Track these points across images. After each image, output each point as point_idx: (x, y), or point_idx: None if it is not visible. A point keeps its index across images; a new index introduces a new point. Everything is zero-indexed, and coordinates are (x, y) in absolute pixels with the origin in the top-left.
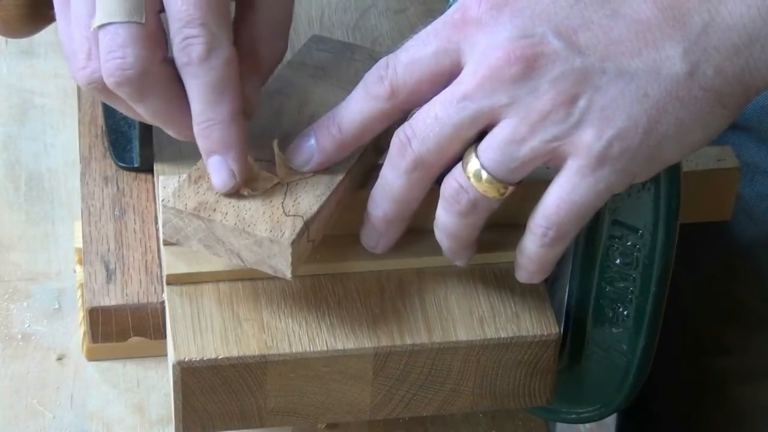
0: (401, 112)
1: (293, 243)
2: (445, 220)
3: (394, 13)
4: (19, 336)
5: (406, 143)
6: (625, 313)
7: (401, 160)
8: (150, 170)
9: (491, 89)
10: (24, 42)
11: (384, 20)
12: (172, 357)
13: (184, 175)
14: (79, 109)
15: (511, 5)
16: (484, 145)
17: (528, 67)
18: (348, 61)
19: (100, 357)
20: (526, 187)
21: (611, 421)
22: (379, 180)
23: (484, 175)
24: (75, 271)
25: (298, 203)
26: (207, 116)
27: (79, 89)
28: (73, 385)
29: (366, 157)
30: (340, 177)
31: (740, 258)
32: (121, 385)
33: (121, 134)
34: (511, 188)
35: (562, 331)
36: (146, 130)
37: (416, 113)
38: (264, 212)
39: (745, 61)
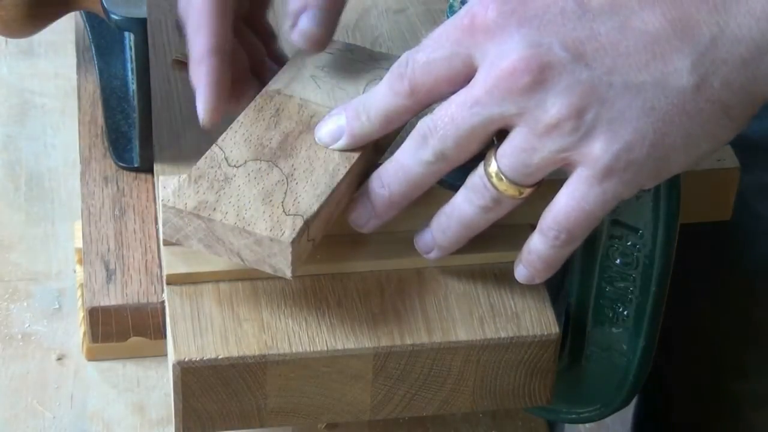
0: (423, 107)
1: (293, 242)
2: (465, 209)
3: (394, 13)
4: (19, 336)
5: (428, 135)
6: (625, 313)
7: (423, 150)
8: (150, 170)
9: (500, 98)
10: (24, 42)
11: (384, 20)
12: (172, 357)
13: (184, 175)
14: (79, 109)
15: (518, 14)
16: (501, 150)
17: (534, 80)
18: (348, 61)
19: (100, 357)
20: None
21: (611, 421)
22: (391, 163)
23: (503, 177)
24: (75, 271)
25: (298, 202)
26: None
27: (79, 89)
28: (73, 385)
29: (366, 156)
30: (340, 176)
31: (760, 278)
32: (121, 385)
33: (121, 134)
34: (528, 190)
35: (562, 331)
36: (146, 130)
37: (437, 109)
38: (264, 211)
39: (753, 73)
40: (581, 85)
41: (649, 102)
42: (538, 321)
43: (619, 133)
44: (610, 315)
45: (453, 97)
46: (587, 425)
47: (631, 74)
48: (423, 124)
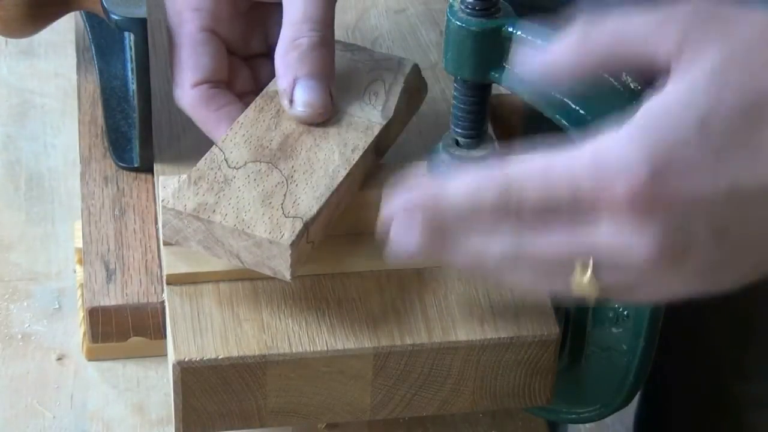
0: None
1: (292, 244)
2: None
3: (394, 13)
4: (19, 336)
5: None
6: (625, 313)
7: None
8: (150, 170)
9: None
10: (24, 42)
11: (384, 20)
12: (172, 357)
13: (184, 176)
14: (79, 109)
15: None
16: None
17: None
18: (348, 61)
19: (100, 357)
20: None
21: (611, 421)
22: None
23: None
24: (75, 271)
25: (298, 204)
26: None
27: (79, 89)
28: (73, 385)
29: (367, 158)
30: (340, 178)
31: (762, 281)
32: (121, 385)
33: (121, 134)
34: None
35: (562, 331)
36: (146, 130)
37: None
38: (263, 213)
39: None
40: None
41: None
42: (538, 321)
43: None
44: (610, 315)
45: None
46: (587, 425)
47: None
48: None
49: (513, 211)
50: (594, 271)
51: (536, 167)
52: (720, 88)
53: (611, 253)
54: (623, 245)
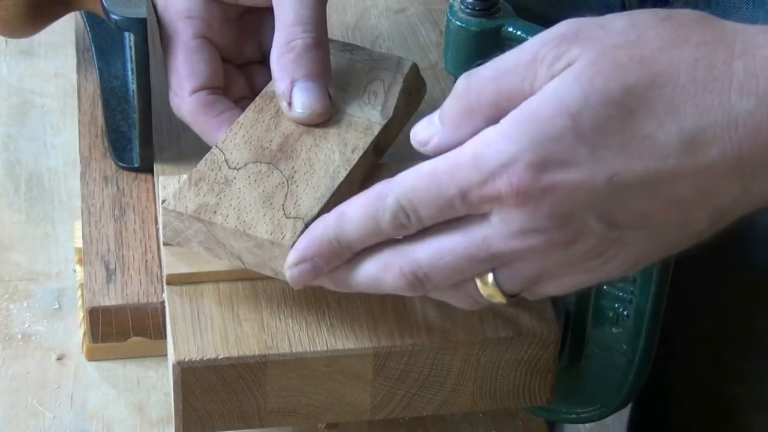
0: None
1: (294, 245)
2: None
3: (394, 13)
4: (19, 336)
5: (420, 282)
6: (625, 313)
7: (405, 287)
8: (150, 170)
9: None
10: (24, 42)
11: (384, 20)
12: (172, 357)
13: (184, 177)
14: (79, 109)
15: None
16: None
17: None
18: (348, 61)
19: (100, 357)
20: None
21: (611, 421)
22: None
23: (499, 291)
24: (75, 271)
25: (299, 205)
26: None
27: (79, 89)
28: (73, 385)
29: (367, 158)
30: (340, 179)
31: (760, 284)
32: (121, 385)
33: (121, 134)
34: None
35: (562, 331)
36: (146, 130)
37: (428, 251)
38: (264, 214)
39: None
40: (608, 240)
41: (666, 239)
42: (538, 321)
43: (632, 259)
44: (610, 315)
45: (457, 246)
46: (587, 425)
47: (656, 226)
48: (416, 269)
49: (413, 225)
50: (495, 273)
51: (422, 176)
52: (587, 84)
53: (505, 247)
54: (514, 236)
